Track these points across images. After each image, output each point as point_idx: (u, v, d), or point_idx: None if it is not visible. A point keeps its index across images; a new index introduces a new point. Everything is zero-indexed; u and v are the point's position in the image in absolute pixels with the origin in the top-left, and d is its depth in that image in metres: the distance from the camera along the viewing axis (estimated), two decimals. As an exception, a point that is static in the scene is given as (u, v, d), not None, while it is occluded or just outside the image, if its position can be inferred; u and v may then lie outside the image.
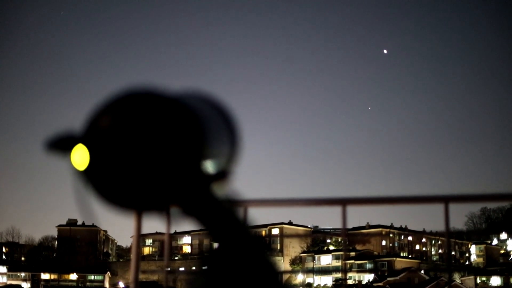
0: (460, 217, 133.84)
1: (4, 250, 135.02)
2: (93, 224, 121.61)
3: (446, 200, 2.28)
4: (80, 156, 1.42)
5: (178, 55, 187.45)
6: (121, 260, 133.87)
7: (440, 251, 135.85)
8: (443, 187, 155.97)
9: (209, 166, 1.49)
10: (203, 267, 1.61)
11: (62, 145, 1.45)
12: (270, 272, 1.59)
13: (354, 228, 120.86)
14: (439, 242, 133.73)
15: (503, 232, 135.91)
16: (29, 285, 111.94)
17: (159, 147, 1.39)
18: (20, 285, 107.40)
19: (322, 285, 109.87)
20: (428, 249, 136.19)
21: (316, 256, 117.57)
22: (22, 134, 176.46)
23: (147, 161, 1.39)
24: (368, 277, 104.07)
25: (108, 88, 1.39)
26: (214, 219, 1.57)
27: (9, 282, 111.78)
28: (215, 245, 1.59)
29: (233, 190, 1.61)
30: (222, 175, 1.59)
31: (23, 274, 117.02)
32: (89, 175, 1.43)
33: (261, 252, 1.60)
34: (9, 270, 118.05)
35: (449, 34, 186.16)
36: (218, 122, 1.67)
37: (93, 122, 1.42)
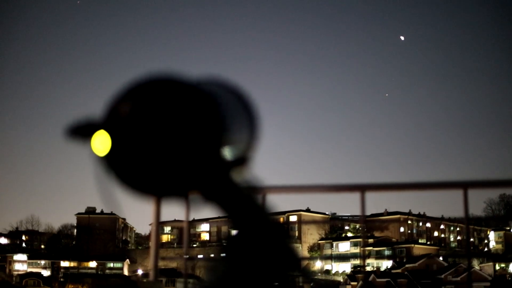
0: (479, 203, 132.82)
1: (24, 238, 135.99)
2: (111, 212, 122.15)
3: (465, 186, 2.26)
4: (101, 142, 1.42)
5: (196, 42, 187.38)
6: (139, 247, 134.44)
7: (458, 237, 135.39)
8: (462, 173, 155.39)
9: (229, 152, 1.49)
10: (223, 254, 1.59)
11: (82, 131, 1.44)
12: (291, 258, 1.59)
13: (372, 215, 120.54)
14: (458, 229, 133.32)
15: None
16: (49, 272, 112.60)
17: (179, 133, 1.39)
18: (40, 272, 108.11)
19: (340, 271, 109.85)
20: (446, 235, 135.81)
21: (334, 243, 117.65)
22: (40, 122, 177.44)
23: (167, 146, 1.39)
24: (386, 264, 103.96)
25: (127, 75, 1.54)
26: (234, 205, 1.56)
27: (30, 269, 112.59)
28: (234, 232, 1.58)
29: (252, 176, 1.61)
30: (242, 161, 1.60)
31: (43, 262, 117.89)
32: (110, 161, 1.44)
33: (282, 238, 1.59)
34: (29, 258, 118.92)
35: (466, 19, 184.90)
36: (237, 108, 1.68)
37: (113, 108, 1.43)
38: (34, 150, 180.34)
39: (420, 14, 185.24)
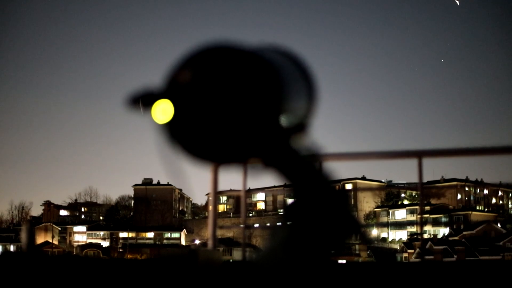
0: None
1: (83, 210, 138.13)
2: (168, 183, 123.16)
3: None
4: (162, 111, 1.44)
5: (256, 11, 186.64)
6: (196, 217, 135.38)
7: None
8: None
9: (288, 119, 1.50)
10: (280, 223, 1.59)
11: (143, 100, 1.47)
12: (352, 225, 1.58)
13: (429, 182, 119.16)
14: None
15: None
16: (108, 243, 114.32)
17: (239, 99, 1.40)
18: (99, 243, 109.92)
19: (396, 239, 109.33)
20: (504, 202, 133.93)
21: (391, 211, 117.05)
22: (97, 94, 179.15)
23: (227, 113, 1.40)
24: (443, 231, 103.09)
25: (186, 44, 1.52)
26: (294, 171, 1.55)
27: (89, 240, 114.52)
28: (291, 200, 1.57)
29: (311, 143, 1.62)
30: (301, 127, 1.61)
31: (102, 233, 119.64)
32: (170, 129, 1.46)
33: (343, 205, 1.58)
34: (88, 229, 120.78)
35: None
36: (296, 74, 1.69)
37: (173, 76, 1.44)
38: (92, 122, 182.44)
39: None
